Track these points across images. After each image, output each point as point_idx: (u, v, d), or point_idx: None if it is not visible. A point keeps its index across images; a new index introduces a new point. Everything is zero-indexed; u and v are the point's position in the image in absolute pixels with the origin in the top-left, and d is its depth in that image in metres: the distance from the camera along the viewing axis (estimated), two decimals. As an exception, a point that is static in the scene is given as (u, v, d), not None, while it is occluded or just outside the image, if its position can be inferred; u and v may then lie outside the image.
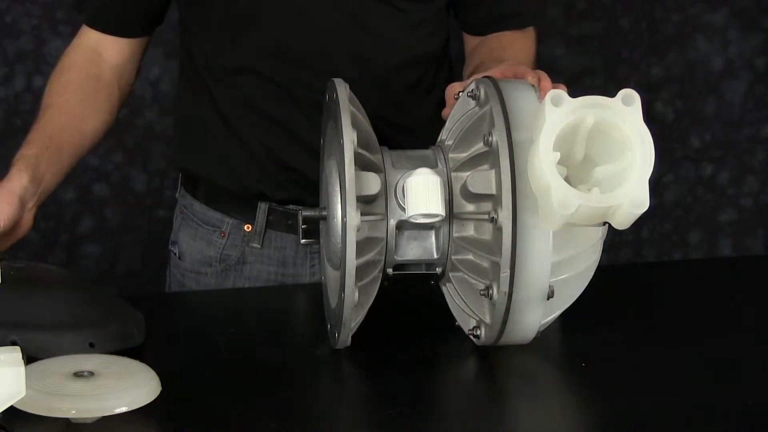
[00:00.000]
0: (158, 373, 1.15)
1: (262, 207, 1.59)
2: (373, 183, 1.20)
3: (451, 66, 1.65)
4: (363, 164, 1.21)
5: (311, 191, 1.54)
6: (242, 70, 1.54)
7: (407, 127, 1.55)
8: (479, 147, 1.22)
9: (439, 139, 1.29)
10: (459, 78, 1.57)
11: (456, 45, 1.65)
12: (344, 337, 1.24)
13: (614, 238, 2.69)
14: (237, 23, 1.53)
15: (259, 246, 1.60)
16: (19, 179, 1.40)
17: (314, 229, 1.55)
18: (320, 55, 1.52)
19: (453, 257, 1.24)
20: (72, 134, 1.53)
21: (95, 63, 1.59)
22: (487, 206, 1.20)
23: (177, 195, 1.70)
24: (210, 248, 1.63)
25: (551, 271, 1.19)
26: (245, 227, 1.61)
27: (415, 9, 1.54)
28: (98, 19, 1.59)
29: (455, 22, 1.64)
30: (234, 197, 1.60)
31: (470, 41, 1.64)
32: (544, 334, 1.27)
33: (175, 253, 1.67)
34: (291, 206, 1.58)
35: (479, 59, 1.55)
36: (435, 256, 1.25)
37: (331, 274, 1.31)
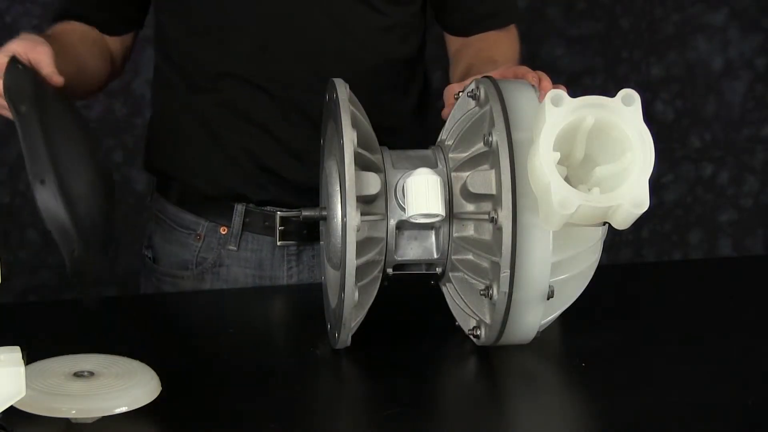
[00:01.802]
0: (158, 373, 1.15)
1: (239, 209, 1.59)
2: (373, 183, 1.20)
3: (425, 70, 1.64)
4: (363, 164, 1.21)
5: (290, 192, 1.55)
6: (223, 74, 1.54)
7: (386, 128, 1.55)
8: (479, 147, 1.22)
9: (439, 139, 1.29)
10: (445, 82, 1.57)
11: (430, 48, 1.65)
12: (344, 337, 1.24)
13: (614, 238, 2.68)
14: (219, 27, 1.53)
15: (235, 248, 1.60)
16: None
17: (292, 230, 1.56)
18: (301, 56, 1.52)
19: (453, 257, 1.24)
20: (76, 53, 1.50)
21: (90, 28, 1.57)
22: (487, 206, 1.20)
23: (148, 200, 1.69)
24: (185, 251, 1.62)
25: (551, 271, 1.19)
26: (221, 230, 1.60)
27: (393, 12, 1.54)
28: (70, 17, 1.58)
29: (437, 24, 1.65)
30: (210, 199, 1.60)
31: (453, 42, 1.63)
32: (544, 334, 1.27)
33: (149, 258, 1.66)
34: (269, 207, 1.58)
35: (467, 61, 1.54)
36: (435, 256, 1.25)
37: (331, 274, 1.31)
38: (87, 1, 1.58)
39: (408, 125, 1.58)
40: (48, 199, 1.19)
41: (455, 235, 1.23)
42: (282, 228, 1.57)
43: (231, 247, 1.59)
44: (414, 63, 1.60)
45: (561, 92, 1.13)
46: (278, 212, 1.57)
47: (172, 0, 1.55)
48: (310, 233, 1.58)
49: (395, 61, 1.57)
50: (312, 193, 1.55)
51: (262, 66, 1.53)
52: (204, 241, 1.61)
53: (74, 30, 1.55)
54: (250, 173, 1.56)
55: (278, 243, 1.58)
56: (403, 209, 1.22)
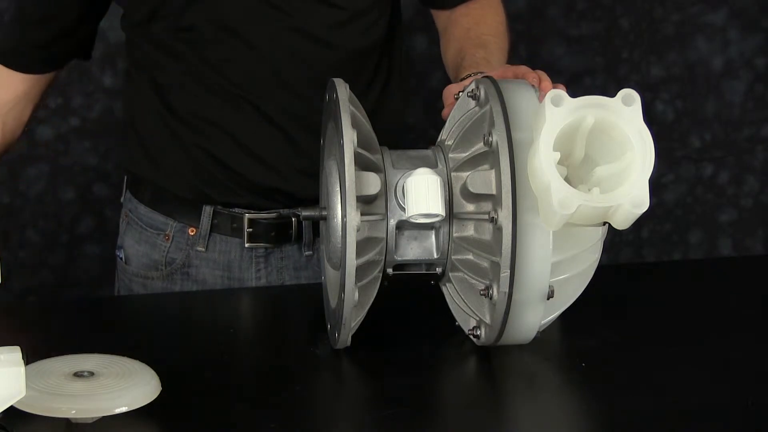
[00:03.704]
0: (158, 373, 1.15)
1: (207, 210, 1.58)
2: (373, 183, 1.20)
3: (393, 54, 1.62)
4: (363, 164, 1.21)
5: (256, 194, 1.55)
6: (184, 80, 1.54)
7: None
8: (479, 147, 1.22)
9: (439, 139, 1.29)
10: (445, 82, 1.57)
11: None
12: (344, 337, 1.24)
13: (614, 238, 2.69)
14: (175, 35, 1.52)
15: (203, 249, 1.59)
16: None
17: (260, 233, 1.56)
18: (256, 59, 1.52)
19: (453, 257, 1.24)
20: None
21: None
22: (487, 206, 1.20)
23: (122, 199, 1.69)
24: (155, 252, 1.62)
25: (551, 271, 1.19)
26: (189, 230, 1.60)
27: (348, 4, 1.53)
28: None
29: (419, 2, 1.64)
30: (178, 200, 1.59)
31: (440, 17, 1.63)
32: (544, 334, 1.27)
33: (121, 258, 1.66)
34: (237, 209, 1.58)
35: (458, 44, 1.55)
36: (435, 256, 1.25)
37: (331, 274, 1.31)
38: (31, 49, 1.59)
39: (372, 115, 1.57)
40: None
41: (455, 235, 1.23)
42: (250, 230, 1.57)
43: (199, 248, 1.59)
44: (382, 50, 1.59)
45: (561, 92, 1.13)
46: (246, 214, 1.57)
47: (137, 16, 1.54)
48: (278, 236, 1.58)
49: (358, 53, 1.56)
50: (279, 194, 1.56)
51: (221, 73, 1.53)
52: (172, 242, 1.60)
53: None
54: (215, 175, 1.56)
55: (246, 245, 1.58)
56: (403, 209, 1.22)
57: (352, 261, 1.18)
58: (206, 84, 1.54)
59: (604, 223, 1.18)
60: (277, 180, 1.55)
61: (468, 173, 1.22)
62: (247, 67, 1.52)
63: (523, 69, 1.33)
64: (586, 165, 1.17)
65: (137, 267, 1.64)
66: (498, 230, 1.17)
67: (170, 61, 1.54)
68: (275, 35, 1.51)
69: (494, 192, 1.18)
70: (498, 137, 1.18)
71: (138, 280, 1.64)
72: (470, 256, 1.23)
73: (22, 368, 1.03)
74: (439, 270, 1.27)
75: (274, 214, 1.57)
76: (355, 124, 1.20)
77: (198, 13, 1.50)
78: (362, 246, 1.19)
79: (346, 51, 1.54)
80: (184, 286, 1.61)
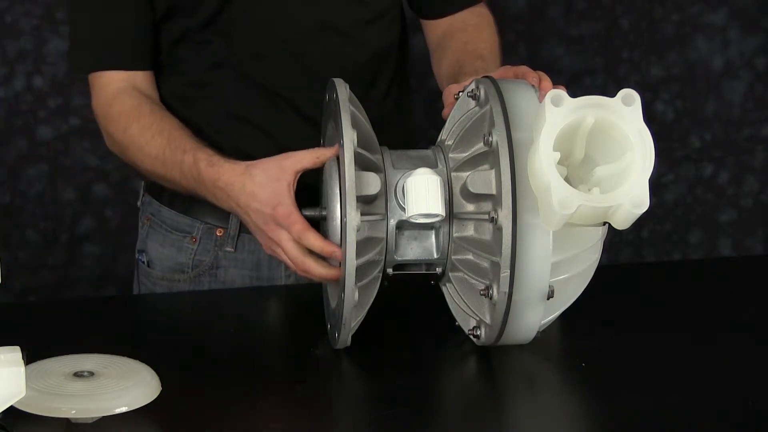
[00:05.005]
0: (158, 373, 1.15)
1: None
2: (373, 183, 1.20)
3: (407, 57, 1.63)
4: (363, 164, 1.21)
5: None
6: (213, 77, 1.53)
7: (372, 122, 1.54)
8: (479, 147, 1.22)
9: (439, 139, 1.29)
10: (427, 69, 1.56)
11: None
12: (344, 337, 1.24)
13: (614, 238, 2.69)
14: (204, 30, 1.51)
15: (232, 250, 1.58)
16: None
17: None
18: (292, 57, 1.51)
19: (453, 257, 1.24)
20: None
21: (147, 95, 1.55)
22: (487, 206, 1.20)
23: (139, 203, 1.67)
24: (181, 254, 1.60)
25: (551, 271, 1.19)
26: (217, 231, 1.58)
27: (372, 1, 1.53)
28: (130, 60, 1.54)
29: (410, 11, 1.65)
30: (205, 201, 1.59)
31: (432, 30, 1.63)
32: (544, 334, 1.27)
33: (143, 262, 1.64)
34: None
35: (455, 56, 1.54)
36: (435, 256, 1.25)
37: (331, 274, 1.31)
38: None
39: (389, 119, 1.57)
40: None
41: (455, 235, 1.23)
42: None
43: (228, 249, 1.58)
44: (399, 50, 1.60)
45: (561, 92, 1.13)
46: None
47: (161, 8, 1.52)
48: None
49: (382, 51, 1.56)
50: (310, 191, 1.54)
51: (253, 69, 1.52)
52: (200, 244, 1.59)
53: (153, 120, 1.52)
54: None
55: None
56: (403, 209, 1.22)
57: (352, 261, 1.18)
58: (238, 82, 1.52)
59: (604, 223, 1.18)
60: (311, 177, 1.54)
61: (468, 173, 1.22)
62: (277, 61, 1.51)
63: (523, 69, 1.32)
64: (586, 165, 1.17)
65: (162, 270, 1.62)
66: (498, 230, 1.17)
67: (195, 58, 1.53)
68: (303, 29, 1.51)
69: (494, 192, 1.18)
70: (498, 137, 1.18)
71: (163, 283, 1.62)
72: (470, 256, 1.23)
73: (22, 368, 1.03)
74: (439, 270, 1.27)
75: (305, 212, 1.55)
76: (355, 124, 1.21)
77: (228, 8, 1.50)
78: (362, 246, 1.19)
79: (369, 50, 1.54)
80: (212, 287, 1.59)
